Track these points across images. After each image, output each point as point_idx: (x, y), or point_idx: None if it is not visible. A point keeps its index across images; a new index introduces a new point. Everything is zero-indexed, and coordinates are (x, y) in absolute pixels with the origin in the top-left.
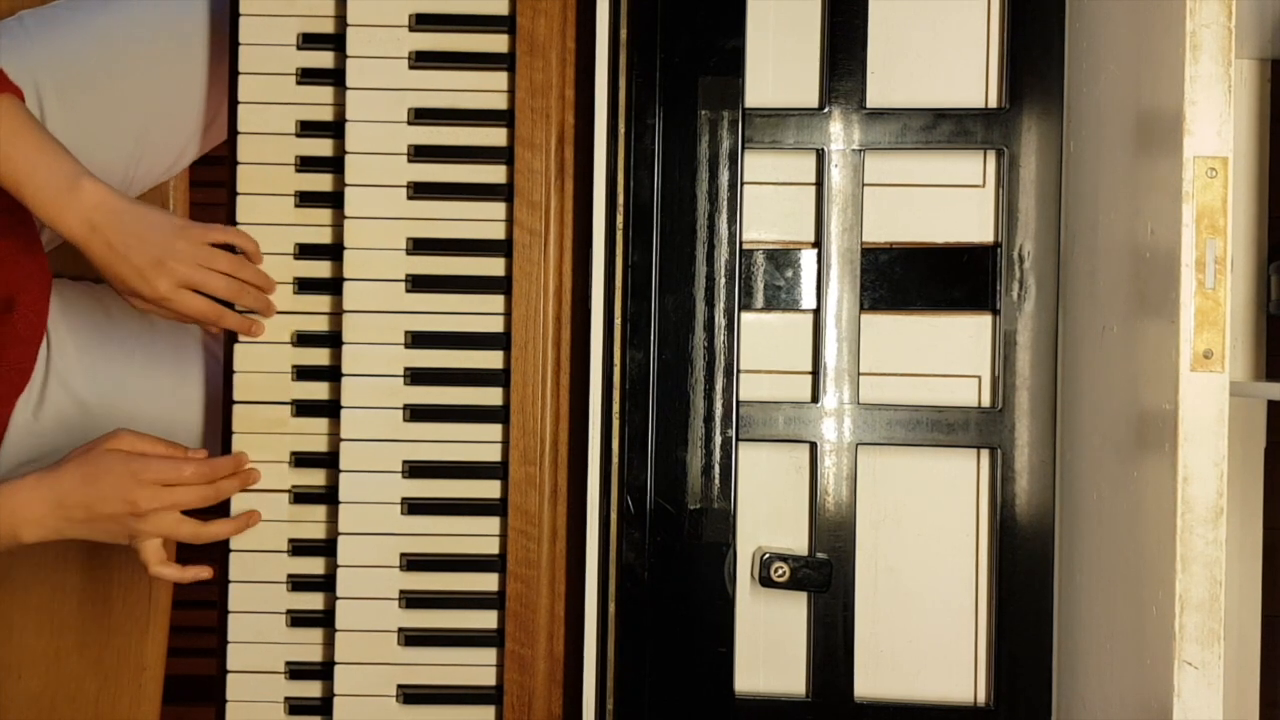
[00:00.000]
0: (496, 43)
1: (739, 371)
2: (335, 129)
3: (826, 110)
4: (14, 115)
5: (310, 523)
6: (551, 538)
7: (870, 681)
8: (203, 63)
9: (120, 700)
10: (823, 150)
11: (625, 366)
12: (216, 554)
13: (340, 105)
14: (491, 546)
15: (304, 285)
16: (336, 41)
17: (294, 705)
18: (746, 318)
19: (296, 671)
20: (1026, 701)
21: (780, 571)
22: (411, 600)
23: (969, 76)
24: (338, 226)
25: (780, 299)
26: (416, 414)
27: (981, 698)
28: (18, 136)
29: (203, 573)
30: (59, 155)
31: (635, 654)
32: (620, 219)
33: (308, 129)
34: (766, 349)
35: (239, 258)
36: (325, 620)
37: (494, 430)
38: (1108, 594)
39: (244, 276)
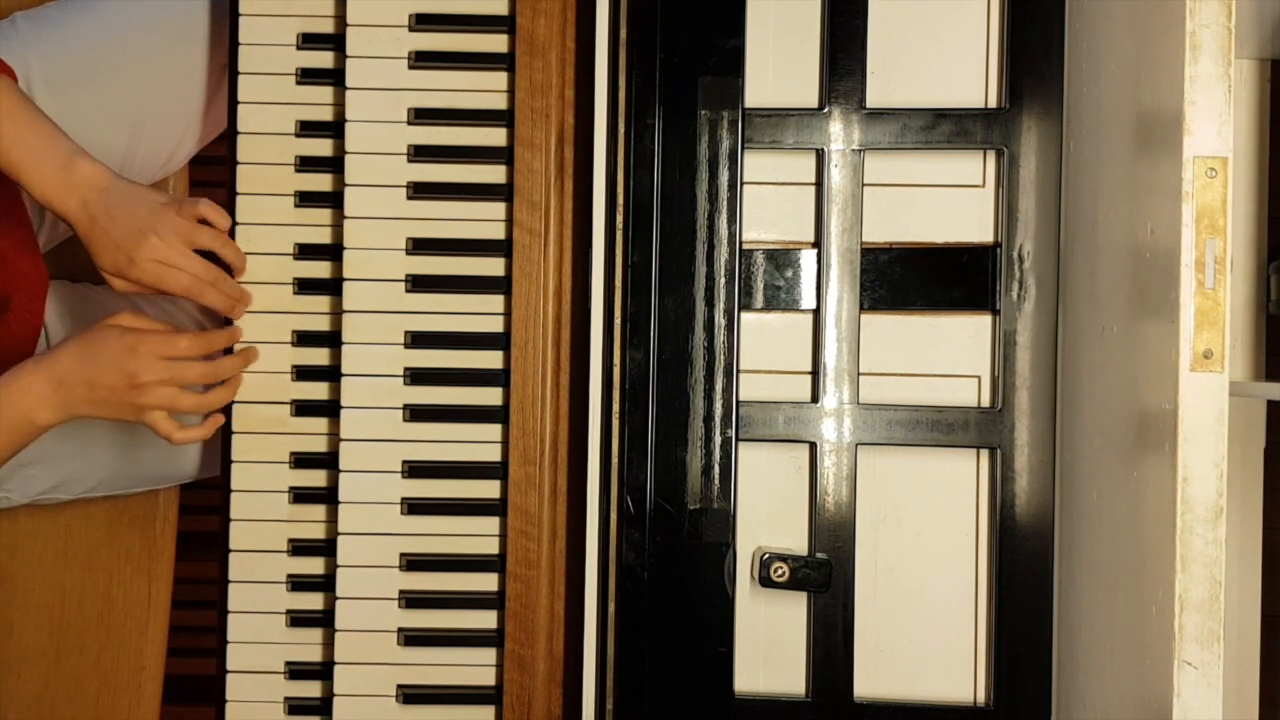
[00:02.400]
0: (496, 43)
1: (739, 371)
2: (335, 129)
3: (826, 110)
4: (9, 95)
5: (310, 523)
6: (551, 538)
7: (870, 681)
8: (198, 58)
9: (120, 700)
10: (823, 150)
11: (625, 366)
12: (217, 551)
13: (340, 105)
14: (491, 546)
15: (304, 285)
16: (336, 41)
17: (294, 705)
18: (746, 318)
19: (296, 671)
20: (1026, 701)
21: (780, 571)
22: (411, 600)
23: (969, 76)
24: (338, 226)
25: (780, 299)
26: (416, 414)
27: (981, 698)
28: (13, 116)
29: (219, 420)
30: (54, 135)
31: (635, 654)
32: (620, 219)
33: (307, 129)
34: (766, 349)
35: (219, 234)
36: (325, 620)
37: (494, 430)
38: (1108, 594)
39: (224, 255)
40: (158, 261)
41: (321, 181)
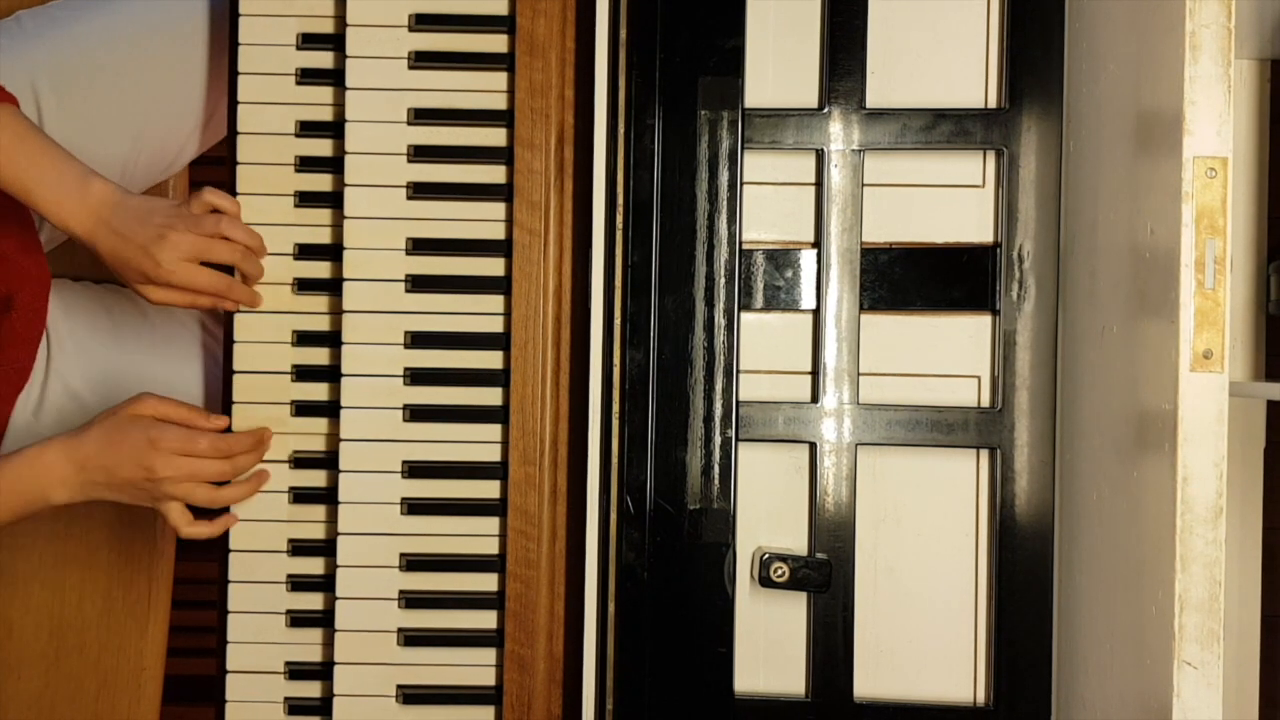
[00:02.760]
0: (496, 43)
1: (739, 371)
2: (335, 129)
3: (826, 110)
4: (15, 124)
5: (310, 523)
6: (551, 538)
7: (870, 681)
8: (200, 62)
9: (120, 700)
10: (822, 150)
11: (625, 366)
12: (217, 551)
13: (340, 105)
14: (491, 546)
15: (304, 285)
16: (336, 41)
17: (293, 705)
18: (746, 318)
19: (296, 672)
20: (1026, 701)
21: (780, 571)
22: (411, 600)
23: (969, 76)
24: (337, 226)
25: (780, 299)
26: (416, 414)
27: (981, 698)
28: (22, 144)
29: (231, 521)
30: (64, 159)
31: (635, 654)
32: (620, 219)
33: (307, 129)
34: (766, 349)
35: (230, 217)
36: (325, 620)
37: (494, 430)
38: (1108, 594)
39: (235, 236)
40: (181, 259)
41: (321, 181)
